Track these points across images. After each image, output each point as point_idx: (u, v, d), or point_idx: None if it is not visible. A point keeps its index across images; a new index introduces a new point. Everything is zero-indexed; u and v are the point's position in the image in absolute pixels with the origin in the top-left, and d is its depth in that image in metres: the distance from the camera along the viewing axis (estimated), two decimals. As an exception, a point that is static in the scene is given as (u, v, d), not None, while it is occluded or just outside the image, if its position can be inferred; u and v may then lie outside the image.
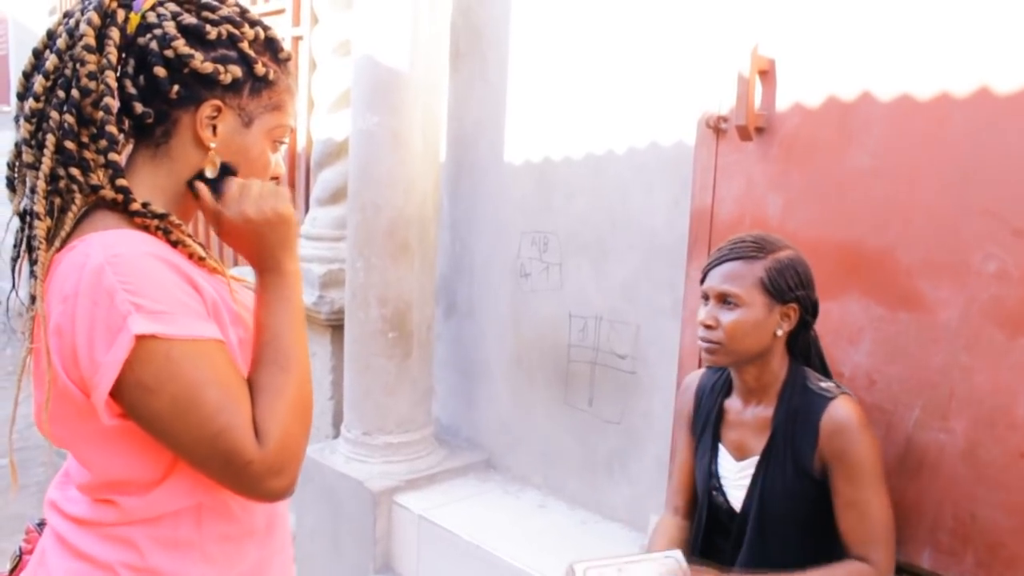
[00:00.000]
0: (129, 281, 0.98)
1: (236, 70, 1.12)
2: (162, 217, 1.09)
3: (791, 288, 1.71)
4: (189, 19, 1.11)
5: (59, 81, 1.06)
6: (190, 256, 1.11)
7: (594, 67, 2.90)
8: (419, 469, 3.28)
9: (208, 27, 1.12)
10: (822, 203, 2.10)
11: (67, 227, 1.05)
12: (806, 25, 2.10)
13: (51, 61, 1.07)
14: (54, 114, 1.06)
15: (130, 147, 1.16)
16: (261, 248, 1.13)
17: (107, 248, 1.00)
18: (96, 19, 1.06)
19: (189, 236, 1.13)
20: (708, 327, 1.73)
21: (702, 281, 1.79)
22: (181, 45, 1.08)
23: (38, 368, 1.02)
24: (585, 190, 2.97)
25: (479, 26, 3.38)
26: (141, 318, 0.97)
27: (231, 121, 1.14)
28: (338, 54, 3.84)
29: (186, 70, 1.09)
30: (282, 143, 1.22)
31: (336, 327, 3.81)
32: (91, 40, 1.06)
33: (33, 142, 1.07)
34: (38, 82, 1.07)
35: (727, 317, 1.71)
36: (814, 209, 2.12)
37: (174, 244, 1.10)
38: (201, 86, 1.11)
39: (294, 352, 1.11)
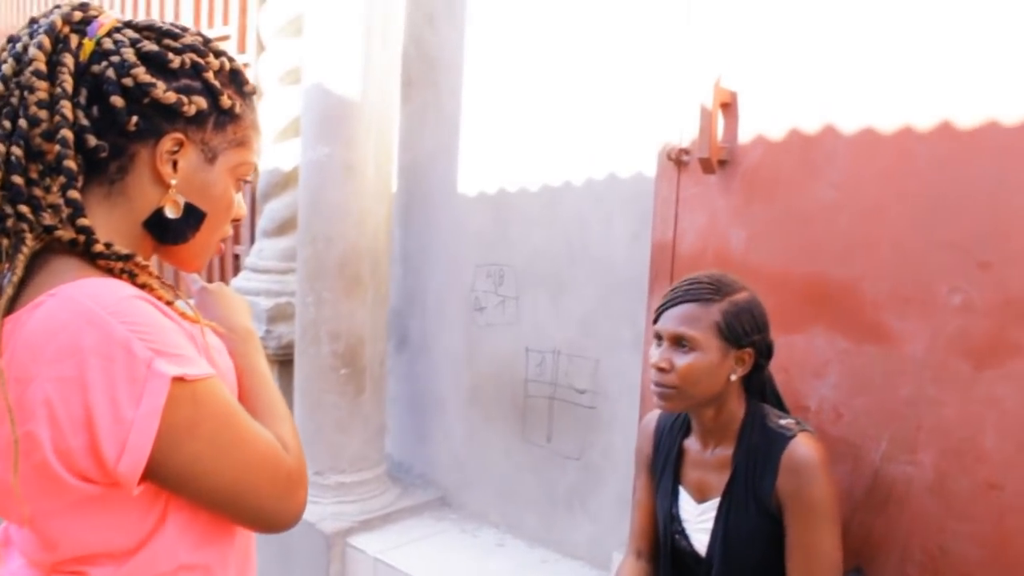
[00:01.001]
0: (140, 328, 0.92)
1: (201, 101, 1.05)
2: (127, 258, 1.01)
3: (747, 333, 1.70)
4: (150, 46, 1.03)
5: (3, 110, 0.97)
6: (158, 300, 1.03)
7: (551, 97, 2.90)
8: (373, 509, 3.22)
9: (171, 55, 1.04)
10: (786, 236, 2.11)
11: (18, 272, 0.95)
12: (768, 58, 2.12)
13: None
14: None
15: (79, 185, 1.05)
16: (227, 315, 1.21)
17: (95, 298, 0.92)
18: (47, 44, 0.98)
19: (157, 278, 1.06)
20: (661, 370, 1.71)
21: (655, 320, 1.78)
22: (141, 73, 1.00)
23: None
24: (542, 222, 2.96)
25: (432, 54, 3.37)
26: (165, 362, 0.93)
27: (193, 157, 1.07)
28: (285, 83, 3.79)
29: (146, 100, 1.01)
30: (246, 182, 1.16)
31: (284, 362, 3.74)
32: (41, 66, 0.97)
33: None
34: None
35: (681, 360, 1.68)
36: (778, 242, 2.13)
37: (140, 287, 1.02)
38: (162, 118, 1.03)
39: (277, 392, 1.17)
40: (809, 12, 2.04)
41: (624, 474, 2.75)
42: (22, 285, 0.96)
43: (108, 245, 1.00)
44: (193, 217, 1.08)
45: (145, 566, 1.00)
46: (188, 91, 1.05)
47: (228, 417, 1.00)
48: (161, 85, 1.02)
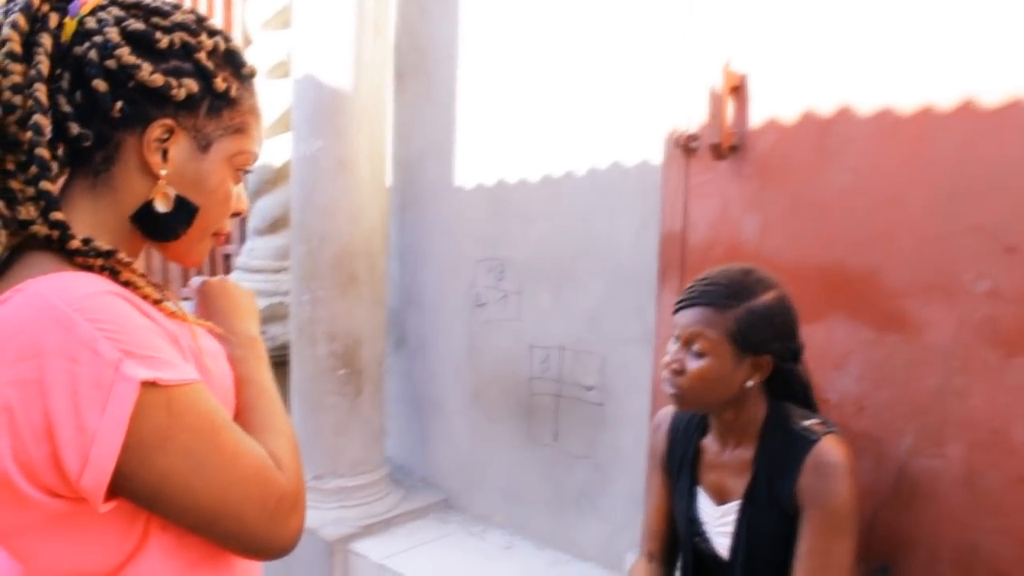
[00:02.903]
0: (108, 326, 0.84)
1: (191, 84, 0.97)
2: (108, 255, 0.94)
3: (765, 342, 1.63)
4: (136, 25, 0.95)
5: None
6: (144, 299, 0.96)
7: (551, 85, 2.84)
8: (375, 513, 3.16)
9: (159, 34, 0.96)
10: (801, 223, 2.06)
11: None
12: (780, 38, 2.06)
13: None
14: None
15: (65, 177, 1.01)
16: (227, 316, 1.13)
17: (61, 293, 0.85)
18: (23, 23, 0.92)
19: (141, 276, 0.99)
20: (674, 371, 1.66)
21: (675, 312, 1.72)
22: (126, 54, 0.93)
23: None
24: (544, 215, 2.90)
25: (424, 45, 3.30)
26: (135, 364, 0.84)
27: (185, 145, 0.99)
28: (272, 76, 3.74)
29: (131, 84, 0.94)
30: (245, 171, 1.08)
31: (279, 364, 3.67)
32: (16, 47, 0.91)
33: None
34: None
35: (692, 364, 1.63)
36: (792, 230, 2.07)
37: (124, 285, 0.95)
38: (149, 103, 0.96)
39: (280, 405, 1.08)
40: (822, -10, 1.99)
41: (635, 472, 2.70)
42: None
43: (87, 241, 0.93)
44: (184, 211, 1.01)
45: None
46: (178, 73, 0.97)
47: (210, 429, 0.90)
48: (147, 67, 0.94)
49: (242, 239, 4.11)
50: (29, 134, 0.90)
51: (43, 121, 0.91)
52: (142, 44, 0.96)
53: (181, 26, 0.99)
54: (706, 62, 2.16)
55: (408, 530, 3.17)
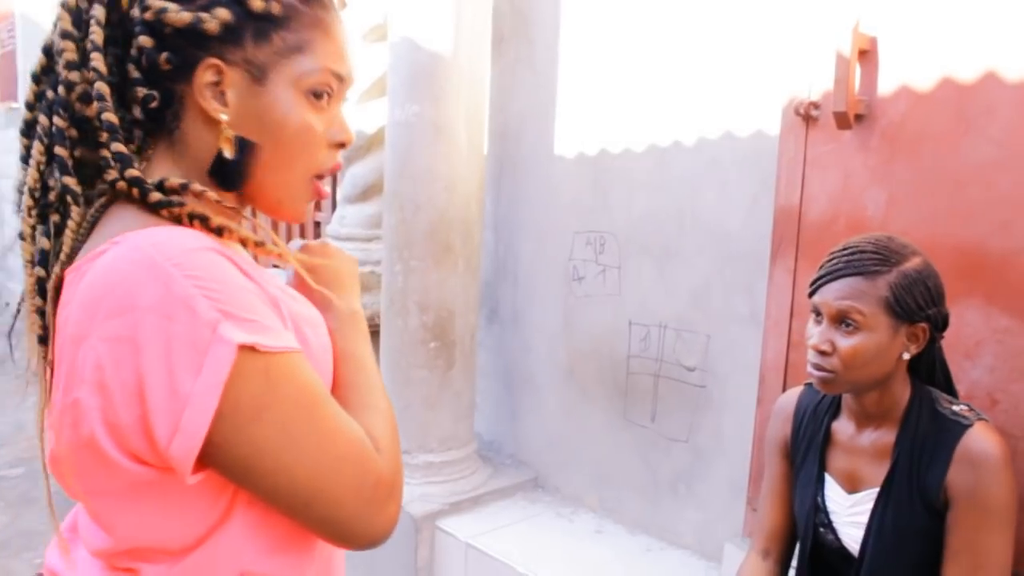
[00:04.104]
0: (207, 284, 0.80)
1: (223, 13, 0.90)
2: (183, 189, 0.90)
3: (921, 306, 1.52)
4: None
5: (47, 80, 0.91)
6: (243, 242, 0.92)
7: (657, 50, 2.74)
8: (463, 491, 3.13)
9: None
10: (934, 199, 1.93)
11: (67, 246, 0.88)
12: (916, -2, 1.93)
13: (39, 60, 0.92)
14: (43, 119, 0.90)
15: (143, 143, 0.98)
16: (333, 289, 1.08)
17: (160, 247, 0.81)
18: (72, 1, 0.90)
19: (236, 218, 0.95)
20: (822, 353, 1.55)
21: (811, 294, 1.61)
22: (158, 2, 0.89)
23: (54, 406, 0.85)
24: (648, 186, 2.81)
25: (525, 7, 3.23)
26: (233, 326, 0.80)
27: (239, 81, 0.93)
28: (368, 40, 3.70)
29: (168, 30, 0.89)
30: (324, 94, 0.97)
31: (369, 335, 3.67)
32: (67, 25, 0.89)
33: (27, 156, 0.92)
34: (29, 87, 0.93)
35: (845, 342, 1.52)
36: (925, 206, 1.95)
37: (219, 233, 0.90)
38: (190, 46, 0.90)
39: (379, 383, 1.03)
40: (968, -57, 1.85)
41: (736, 458, 2.61)
42: (92, 234, 0.89)
43: (161, 186, 0.89)
44: (244, 152, 0.94)
45: (201, 568, 0.88)
46: (209, 5, 0.91)
47: (309, 402, 0.86)
48: (174, 7, 0.89)
49: (333, 207, 4.11)
50: (95, 104, 0.88)
51: (104, 88, 0.88)
52: None
53: None
54: (832, 23, 2.03)
55: (495, 509, 3.14)
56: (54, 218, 0.90)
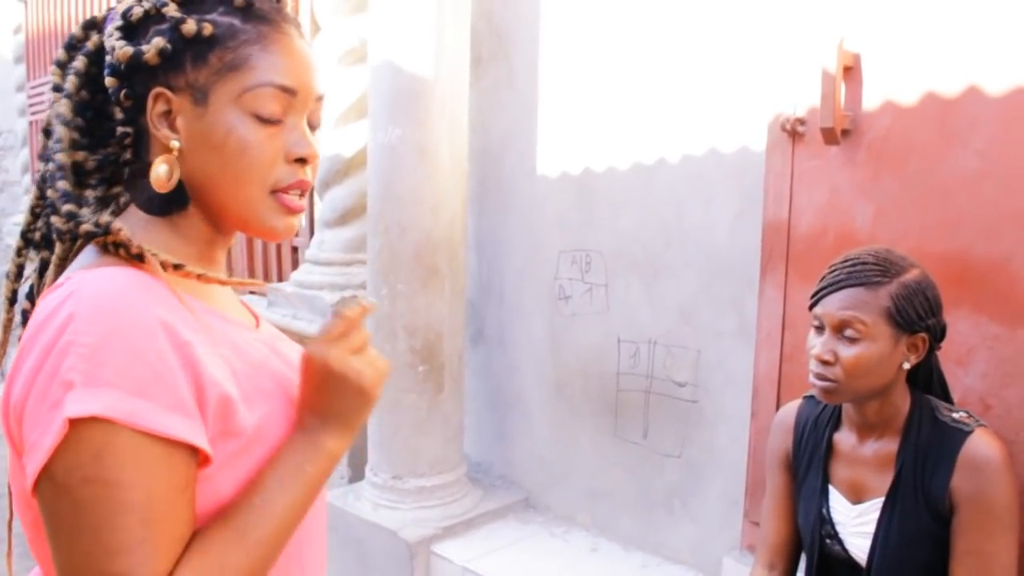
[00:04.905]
0: (89, 341, 0.80)
1: (159, 42, 0.92)
2: (105, 232, 0.90)
3: (921, 316, 1.58)
4: (136, 9, 0.95)
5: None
6: (188, 276, 0.93)
7: (640, 68, 2.80)
8: (455, 514, 3.16)
9: (135, 8, 0.94)
10: (920, 211, 2.00)
11: (51, 280, 0.93)
12: (898, 15, 2.00)
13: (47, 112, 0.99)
14: (40, 165, 0.97)
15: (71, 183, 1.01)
16: (322, 402, 0.96)
17: (76, 296, 0.82)
18: (63, 55, 0.98)
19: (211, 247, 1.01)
20: (825, 362, 1.60)
21: (812, 306, 1.67)
22: (114, 40, 0.93)
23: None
24: (633, 203, 2.86)
25: (504, 29, 3.28)
26: (86, 393, 0.79)
27: (186, 106, 0.94)
28: (344, 64, 3.73)
29: (122, 67, 0.92)
30: (265, 115, 0.95)
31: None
32: (58, 79, 0.97)
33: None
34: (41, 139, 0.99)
35: (847, 352, 1.58)
36: (911, 218, 2.02)
37: (176, 267, 0.92)
38: (140, 80, 0.93)
39: (270, 532, 0.89)
40: (947, -38, 1.92)
41: (731, 472, 2.66)
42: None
43: (104, 227, 0.91)
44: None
45: None
46: (148, 37, 0.94)
47: (113, 505, 0.79)
48: (120, 43, 0.92)
49: (311, 232, 4.13)
50: (50, 143, 0.95)
51: (65, 133, 0.94)
52: (126, 25, 0.94)
53: None
54: (816, 41, 2.11)
55: (488, 531, 3.16)
56: (43, 254, 0.96)
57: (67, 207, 0.91)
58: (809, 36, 2.15)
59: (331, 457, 0.96)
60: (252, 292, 4.41)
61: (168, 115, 0.94)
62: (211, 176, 0.95)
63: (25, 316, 0.95)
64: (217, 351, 0.89)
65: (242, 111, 0.94)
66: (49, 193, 0.92)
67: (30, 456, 0.80)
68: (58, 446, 0.78)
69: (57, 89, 0.96)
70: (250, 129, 0.94)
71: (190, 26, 0.93)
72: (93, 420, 0.78)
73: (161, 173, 0.93)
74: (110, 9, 0.98)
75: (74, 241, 0.93)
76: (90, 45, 0.96)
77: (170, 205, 0.97)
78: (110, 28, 0.94)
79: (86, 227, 0.90)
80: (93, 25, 0.98)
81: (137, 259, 0.90)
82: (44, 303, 0.85)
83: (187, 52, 0.93)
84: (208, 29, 0.93)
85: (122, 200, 0.97)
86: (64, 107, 0.93)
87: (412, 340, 3.08)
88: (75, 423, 0.77)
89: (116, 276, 0.85)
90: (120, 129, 0.94)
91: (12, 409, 0.84)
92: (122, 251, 0.90)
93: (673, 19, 2.69)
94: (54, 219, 0.92)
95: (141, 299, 0.84)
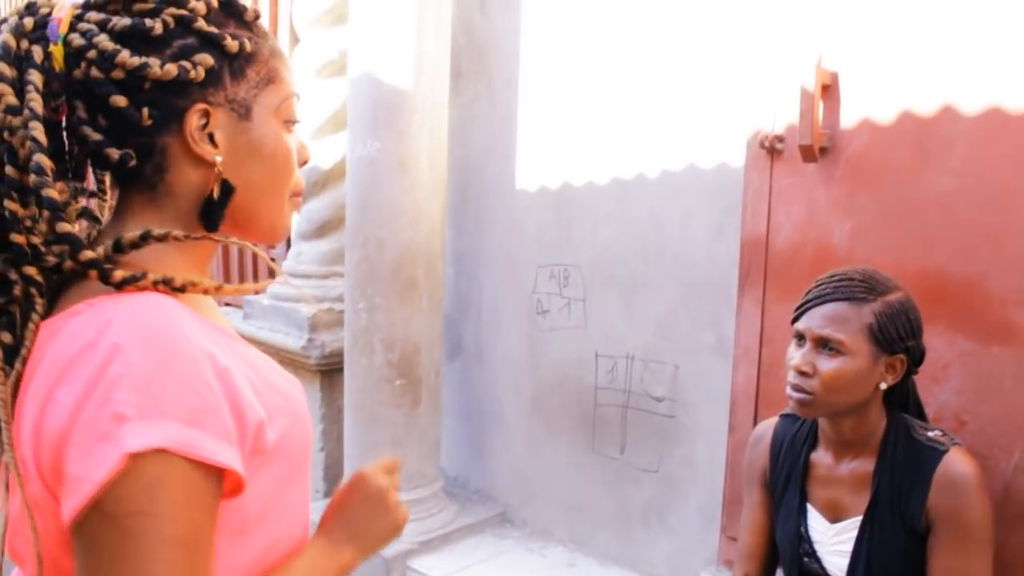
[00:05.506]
0: (141, 372, 0.80)
1: (206, 59, 0.92)
2: (163, 239, 0.91)
3: (901, 337, 1.61)
4: (122, 22, 0.90)
5: None
6: (206, 291, 0.94)
7: (620, 83, 2.84)
8: (432, 528, 3.16)
9: (148, 21, 0.91)
10: (897, 228, 2.04)
11: (28, 344, 0.86)
12: (875, 33, 2.04)
13: None
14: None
15: (114, 199, 0.98)
16: (357, 519, 1.06)
17: (133, 318, 0.82)
18: (8, 71, 0.87)
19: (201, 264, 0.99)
20: (803, 374, 1.63)
21: (795, 319, 1.69)
22: (127, 58, 0.88)
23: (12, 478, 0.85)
24: (612, 219, 2.89)
25: (484, 43, 3.31)
26: (142, 426, 0.78)
27: (226, 121, 0.95)
28: (322, 76, 3.75)
29: (147, 85, 0.90)
30: (294, 121, 1.02)
31: (326, 372, 3.69)
32: (12, 99, 0.86)
33: None
34: None
35: (826, 365, 1.60)
36: (888, 235, 2.05)
37: (182, 290, 0.91)
38: (174, 96, 0.92)
39: None
40: (923, -17, 1.97)
41: (708, 487, 2.68)
42: (62, 300, 0.90)
43: (109, 259, 0.89)
44: (225, 192, 0.96)
45: None
46: (186, 53, 0.92)
47: (158, 534, 0.79)
48: (155, 62, 0.90)
49: (287, 243, 4.13)
50: (32, 176, 0.85)
51: (43, 161, 0.86)
52: (137, 39, 0.91)
53: (166, 1, 0.94)
54: (794, 59, 2.14)
55: (465, 546, 3.17)
56: (14, 311, 0.88)
57: (84, 256, 0.87)
58: (788, 54, 2.18)
59: (344, 570, 1.03)
60: (228, 304, 4.41)
61: (203, 129, 0.93)
62: (253, 186, 0.98)
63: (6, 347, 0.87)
64: (243, 371, 0.89)
65: (279, 120, 0.99)
66: (39, 229, 0.87)
67: (73, 488, 0.78)
68: (111, 480, 0.77)
69: (12, 111, 0.86)
70: (288, 138, 1.01)
71: (232, 43, 0.94)
72: (152, 452, 0.78)
73: (216, 191, 0.95)
74: (31, 7, 0.92)
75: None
76: (37, 57, 0.88)
77: (216, 219, 0.97)
78: (102, 39, 0.89)
79: (120, 273, 0.87)
80: (22, 32, 0.90)
81: (165, 284, 0.89)
82: (70, 332, 0.83)
83: (225, 68, 0.95)
84: (248, 45, 0.96)
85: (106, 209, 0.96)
86: (38, 131, 0.85)
87: (389, 354, 3.09)
88: (134, 457, 0.77)
89: (154, 304, 0.85)
90: (115, 152, 0.91)
91: (45, 438, 0.81)
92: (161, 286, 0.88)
93: (653, 36, 2.73)
94: (51, 258, 0.87)
95: (185, 328, 0.84)
